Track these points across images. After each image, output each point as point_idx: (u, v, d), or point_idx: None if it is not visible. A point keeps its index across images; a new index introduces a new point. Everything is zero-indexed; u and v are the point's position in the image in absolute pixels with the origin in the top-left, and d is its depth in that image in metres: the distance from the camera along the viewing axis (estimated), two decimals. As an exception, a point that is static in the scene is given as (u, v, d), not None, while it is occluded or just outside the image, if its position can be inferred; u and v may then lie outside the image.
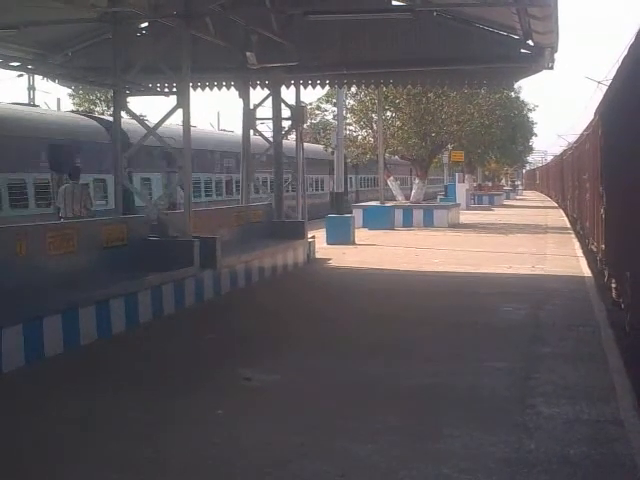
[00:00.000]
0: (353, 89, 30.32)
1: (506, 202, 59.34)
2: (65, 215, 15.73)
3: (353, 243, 23.32)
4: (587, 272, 16.41)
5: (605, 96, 14.73)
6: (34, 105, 31.27)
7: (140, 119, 15.05)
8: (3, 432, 6.55)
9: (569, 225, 31.86)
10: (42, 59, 17.07)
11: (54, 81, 18.68)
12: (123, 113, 14.28)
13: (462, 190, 45.12)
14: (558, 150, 71.61)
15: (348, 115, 35.01)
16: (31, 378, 8.16)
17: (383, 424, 6.67)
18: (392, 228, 29.50)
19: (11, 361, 8.35)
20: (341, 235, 23.12)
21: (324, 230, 23.31)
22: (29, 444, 6.26)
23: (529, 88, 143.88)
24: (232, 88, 18.22)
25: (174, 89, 15.54)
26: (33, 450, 6.14)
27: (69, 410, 7.11)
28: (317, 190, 40.79)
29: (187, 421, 6.83)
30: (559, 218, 37.89)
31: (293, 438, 6.34)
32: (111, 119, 16.25)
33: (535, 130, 69.57)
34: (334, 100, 33.61)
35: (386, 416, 6.89)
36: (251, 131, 18.80)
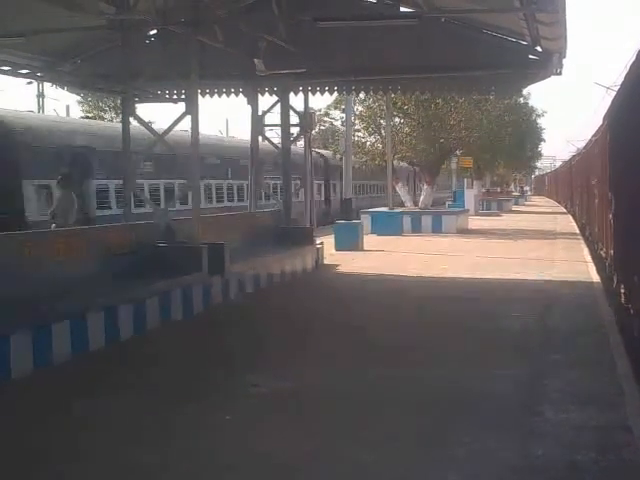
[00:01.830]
0: (361, 95, 30.31)
1: (515, 208, 59.23)
2: (65, 222, 15.62)
3: (362, 249, 23.29)
4: (596, 278, 16.36)
5: (613, 101, 14.71)
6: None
7: (149, 126, 15.05)
8: (10, 436, 6.58)
9: (578, 231, 31.77)
10: (51, 66, 17.15)
11: (63, 88, 18.77)
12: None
13: (470, 196, 45.08)
14: (567, 156, 71.58)
15: (356, 121, 35.00)
16: (39, 384, 8.17)
17: (391, 430, 6.66)
18: (401, 234, 29.47)
19: (20, 368, 8.37)
20: (350, 241, 23.08)
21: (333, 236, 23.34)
22: (34, 448, 6.29)
23: (538, 94, 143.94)
24: (240, 95, 18.26)
25: (182, 96, 15.60)
26: (38, 453, 6.17)
27: (75, 415, 7.13)
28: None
29: (195, 427, 6.83)
30: (568, 224, 37.81)
31: (301, 444, 6.34)
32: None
33: (544, 136, 69.65)
34: (343, 106, 33.61)
35: (394, 422, 6.89)
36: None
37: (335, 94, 21.88)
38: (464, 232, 31.56)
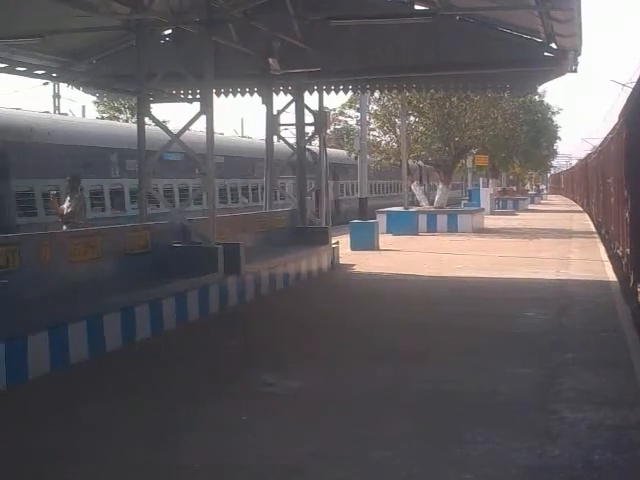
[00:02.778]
0: (376, 94, 30.29)
1: (531, 206, 59.10)
2: (78, 221, 15.63)
3: (377, 249, 23.28)
4: (612, 277, 16.28)
5: (629, 99, 14.63)
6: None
7: (164, 125, 15.07)
8: (22, 436, 6.59)
9: (594, 229, 31.66)
10: (67, 67, 17.18)
11: (79, 89, 18.78)
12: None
13: (486, 195, 44.97)
14: (583, 154, 71.28)
15: (371, 120, 34.95)
16: (55, 384, 8.21)
17: (404, 430, 6.65)
18: (416, 233, 29.43)
19: (36, 368, 8.41)
20: (365, 241, 23.07)
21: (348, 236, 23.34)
22: (49, 447, 6.31)
23: (553, 91, 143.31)
24: (255, 94, 18.25)
25: (197, 96, 15.62)
26: (51, 453, 6.18)
27: (90, 415, 7.15)
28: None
29: (209, 427, 6.84)
30: (584, 222, 37.67)
31: (314, 443, 6.34)
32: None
33: (559, 134, 69.32)
34: (357, 105, 33.56)
35: (407, 422, 6.88)
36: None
37: (350, 93, 21.84)
38: (480, 231, 31.49)
